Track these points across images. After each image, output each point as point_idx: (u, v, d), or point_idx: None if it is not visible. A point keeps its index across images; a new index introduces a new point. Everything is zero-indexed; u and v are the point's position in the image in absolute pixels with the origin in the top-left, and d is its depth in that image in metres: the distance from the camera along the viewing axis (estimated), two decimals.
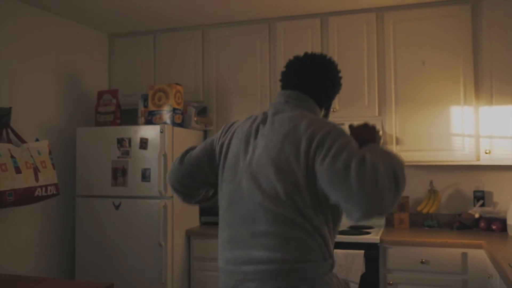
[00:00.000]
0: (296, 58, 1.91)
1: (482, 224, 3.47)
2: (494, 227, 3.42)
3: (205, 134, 4.03)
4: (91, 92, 4.09)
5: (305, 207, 1.61)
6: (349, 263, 3.21)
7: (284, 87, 1.89)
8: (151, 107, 3.68)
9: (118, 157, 3.61)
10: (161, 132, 3.50)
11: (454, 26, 3.46)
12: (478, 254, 3.07)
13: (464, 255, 3.09)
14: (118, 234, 3.56)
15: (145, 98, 3.79)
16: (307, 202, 1.61)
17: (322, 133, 1.60)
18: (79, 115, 3.99)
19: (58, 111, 3.79)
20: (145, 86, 4.10)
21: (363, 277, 3.20)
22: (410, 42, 3.55)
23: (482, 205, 3.60)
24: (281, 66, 3.82)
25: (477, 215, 3.52)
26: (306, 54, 1.91)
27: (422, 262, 3.15)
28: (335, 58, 3.65)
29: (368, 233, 3.41)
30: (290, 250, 1.61)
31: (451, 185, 3.70)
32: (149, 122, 3.69)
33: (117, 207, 3.59)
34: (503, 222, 3.40)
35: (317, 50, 3.75)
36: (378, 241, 3.24)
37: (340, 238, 3.31)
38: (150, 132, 3.54)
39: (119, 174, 3.60)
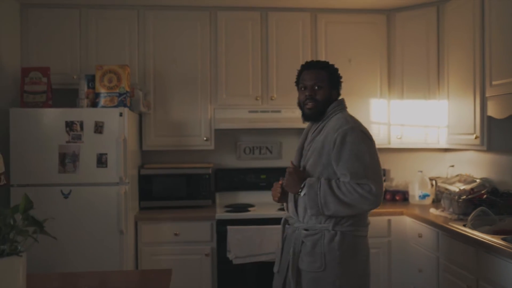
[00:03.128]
0: None
1: (387, 196, 4.24)
2: (397, 197, 4.22)
3: (141, 117, 3.95)
4: (5, 69, 3.61)
5: None
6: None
7: None
8: (100, 89, 3.48)
9: (68, 142, 3.34)
10: (120, 115, 3.37)
11: (373, 31, 4.12)
12: (399, 220, 3.80)
13: (389, 221, 3.80)
14: (70, 225, 3.31)
15: (89, 79, 3.55)
16: None
17: None
18: None
19: None
20: (70, 65, 3.82)
21: None
22: (339, 42, 4.09)
23: (384, 180, 4.38)
24: (222, 54, 3.99)
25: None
26: None
27: None
28: (274, 51, 4.05)
29: None
30: None
31: None
32: (95, 104, 3.48)
33: (66, 195, 3.34)
34: (403, 193, 4.22)
35: (257, 42, 4.02)
36: None
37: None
38: (105, 115, 3.37)
39: (68, 160, 3.34)
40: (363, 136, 2.37)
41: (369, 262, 2.48)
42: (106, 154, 3.36)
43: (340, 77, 2.61)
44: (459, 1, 3.58)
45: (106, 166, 3.36)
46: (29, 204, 1.80)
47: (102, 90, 3.49)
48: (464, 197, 3.27)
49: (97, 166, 3.36)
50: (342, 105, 2.56)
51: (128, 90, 3.53)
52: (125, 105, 3.48)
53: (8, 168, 3.29)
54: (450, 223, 3.11)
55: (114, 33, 3.90)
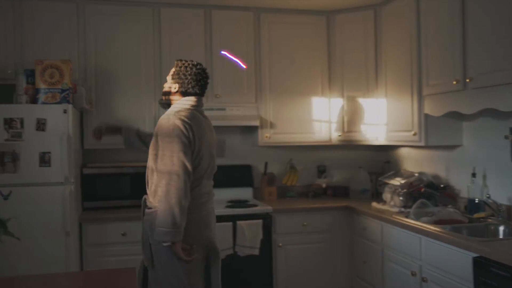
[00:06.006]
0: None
1: (329, 192, 4.39)
2: (339, 193, 4.37)
3: (82, 115, 3.81)
4: None
5: None
6: (251, 232, 3.67)
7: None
8: (40, 85, 3.32)
9: (6, 140, 3.16)
10: (64, 112, 3.24)
11: (315, 31, 4.25)
12: (342, 214, 3.95)
13: (333, 216, 3.93)
14: (11, 227, 3.12)
15: (28, 74, 3.38)
16: None
17: None
18: None
19: None
20: (5, 59, 3.61)
21: (261, 242, 3.71)
22: (282, 41, 4.18)
23: (325, 177, 4.52)
24: (166, 52, 3.94)
25: (324, 185, 4.43)
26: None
27: (303, 225, 3.86)
28: (218, 49, 4.05)
29: (254, 205, 3.91)
30: None
31: (302, 161, 4.50)
32: (35, 101, 3.32)
33: (6, 196, 3.16)
34: (344, 189, 4.39)
35: (201, 40, 4.02)
36: (271, 211, 3.80)
37: (239, 211, 3.74)
38: (48, 112, 3.22)
39: (7, 159, 3.16)
40: None
41: None
42: (50, 152, 3.22)
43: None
44: (396, 5, 3.78)
45: (50, 165, 3.21)
46: None
47: (43, 86, 3.32)
48: (405, 190, 3.46)
49: (40, 166, 3.21)
50: None
51: (70, 86, 3.40)
52: (68, 102, 3.34)
53: None
54: (394, 216, 3.28)
55: (51, 26, 3.73)
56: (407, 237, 3.08)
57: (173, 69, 2.73)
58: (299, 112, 4.22)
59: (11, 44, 3.66)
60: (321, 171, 4.53)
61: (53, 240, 3.21)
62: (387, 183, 3.78)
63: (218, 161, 4.35)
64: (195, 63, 2.73)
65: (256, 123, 4.06)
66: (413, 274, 3.00)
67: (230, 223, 3.64)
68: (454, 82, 3.02)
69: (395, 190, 3.56)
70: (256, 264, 3.71)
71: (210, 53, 4.03)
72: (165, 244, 2.45)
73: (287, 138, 4.19)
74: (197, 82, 2.68)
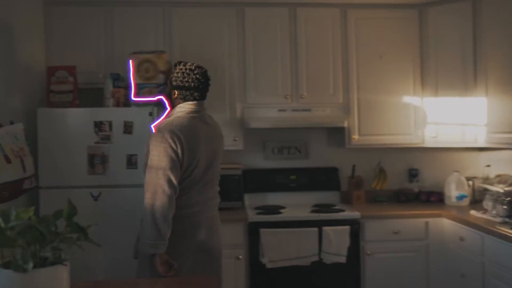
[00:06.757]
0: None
1: (422, 197, 4.11)
2: (432, 199, 4.08)
3: None
4: (32, 68, 3.52)
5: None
6: (338, 238, 3.50)
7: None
8: (138, 80, 3.33)
9: (96, 143, 3.24)
10: (150, 115, 3.26)
11: (405, 26, 3.98)
12: (437, 222, 3.66)
13: (426, 223, 3.66)
14: (101, 228, 3.19)
15: (114, 78, 3.45)
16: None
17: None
18: (26, 94, 3.39)
19: (10, 90, 3.18)
20: (96, 64, 3.73)
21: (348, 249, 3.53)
22: (369, 38, 3.96)
23: (417, 181, 4.24)
24: (250, 52, 3.88)
25: (416, 190, 4.15)
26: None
27: (394, 233, 3.62)
28: (303, 48, 3.91)
29: (341, 210, 3.74)
30: None
31: (392, 164, 4.25)
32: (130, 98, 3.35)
33: (96, 198, 3.24)
34: (438, 194, 4.08)
35: (286, 39, 3.91)
36: (359, 217, 3.61)
37: (325, 216, 3.59)
38: (135, 115, 3.27)
39: (97, 161, 3.24)
40: None
41: None
42: (136, 155, 3.26)
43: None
44: None
45: (136, 167, 3.25)
46: (73, 210, 1.70)
47: (139, 81, 3.33)
48: (510, 198, 3.13)
49: (127, 167, 3.26)
50: None
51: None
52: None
53: (36, 169, 3.20)
54: (497, 226, 2.97)
55: (139, 30, 3.80)
56: None
57: (172, 74, 2.64)
58: (389, 112, 3.98)
59: (102, 49, 3.77)
60: (413, 174, 4.25)
61: None
62: (488, 190, 3.45)
63: (302, 163, 4.29)
64: (193, 67, 2.61)
65: (343, 124, 3.88)
66: None
67: (316, 229, 3.49)
68: None
69: (497, 198, 3.24)
70: (342, 272, 3.54)
71: (295, 53, 3.91)
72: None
73: (376, 140, 3.97)
74: (196, 88, 2.56)
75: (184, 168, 2.44)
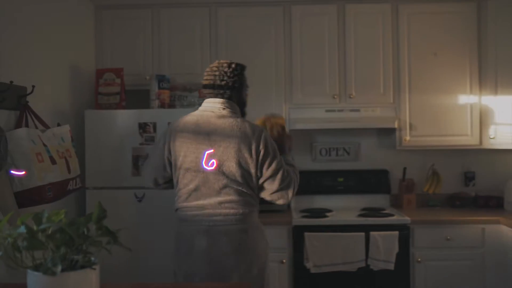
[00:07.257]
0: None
1: (479, 202, 3.87)
2: (491, 204, 3.84)
3: None
4: (82, 70, 3.60)
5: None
6: (386, 244, 3.36)
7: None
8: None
9: (141, 144, 3.27)
10: None
11: (462, 21, 3.77)
12: (494, 229, 3.43)
13: (483, 230, 3.44)
14: (144, 229, 3.24)
15: (159, 79, 3.47)
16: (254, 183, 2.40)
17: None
18: (75, 96, 3.48)
19: (61, 92, 3.26)
20: (143, 66, 3.77)
21: (396, 256, 3.38)
22: (422, 34, 3.78)
23: (473, 185, 4.01)
24: (297, 51, 3.79)
25: (473, 194, 3.92)
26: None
27: (447, 239, 3.43)
28: (352, 46, 3.77)
29: (390, 214, 3.58)
30: None
31: (446, 167, 4.04)
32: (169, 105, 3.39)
33: (140, 199, 3.27)
34: (497, 199, 3.84)
35: (334, 37, 3.80)
36: (409, 222, 3.44)
37: (373, 220, 3.45)
38: (178, 116, 3.23)
39: (141, 162, 3.26)
40: None
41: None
42: None
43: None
44: None
45: None
46: (103, 213, 1.68)
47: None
48: None
49: None
50: None
51: None
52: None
53: (83, 170, 3.26)
54: None
55: (185, 32, 3.81)
56: None
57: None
58: (443, 112, 3.78)
59: (149, 51, 3.81)
60: (469, 178, 4.02)
61: None
62: None
63: (351, 165, 4.15)
64: (210, 66, 2.58)
65: (394, 125, 3.72)
66: None
67: (363, 234, 3.36)
68: None
69: None
70: (391, 279, 3.38)
71: (343, 51, 3.79)
72: None
73: (429, 141, 3.78)
74: (204, 86, 2.53)
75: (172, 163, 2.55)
